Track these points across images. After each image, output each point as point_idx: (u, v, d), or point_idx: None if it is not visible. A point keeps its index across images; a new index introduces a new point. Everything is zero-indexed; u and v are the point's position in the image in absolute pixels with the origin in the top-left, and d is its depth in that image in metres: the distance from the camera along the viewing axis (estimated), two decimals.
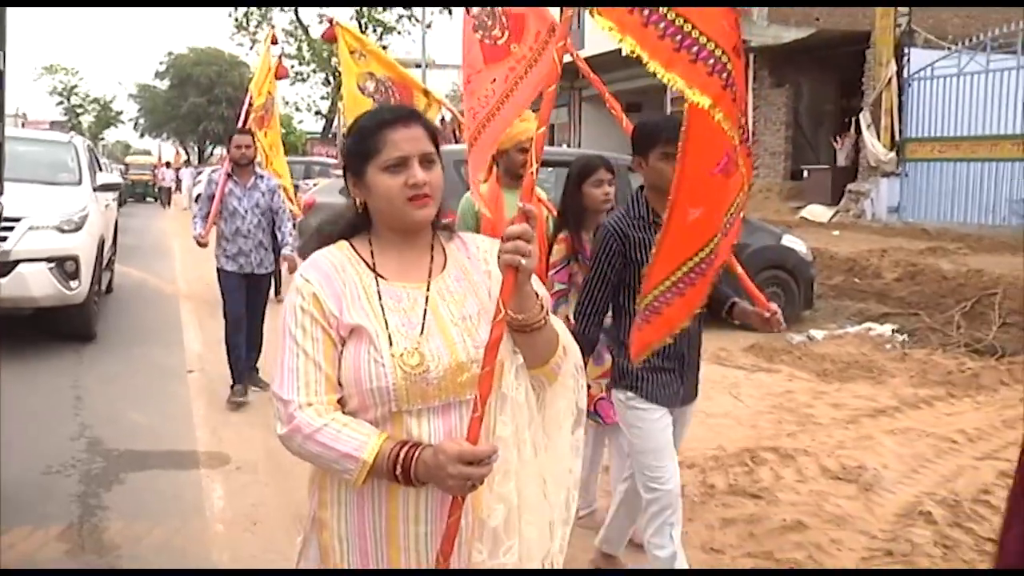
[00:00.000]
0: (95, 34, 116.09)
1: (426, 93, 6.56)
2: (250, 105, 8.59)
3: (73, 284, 8.40)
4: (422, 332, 1.93)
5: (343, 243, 2.04)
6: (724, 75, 2.29)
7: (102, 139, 66.83)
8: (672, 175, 2.94)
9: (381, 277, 1.99)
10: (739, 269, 3.65)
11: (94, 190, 9.86)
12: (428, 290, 2.00)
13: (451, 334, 1.95)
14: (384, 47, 32.43)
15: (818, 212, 19.46)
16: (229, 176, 7.27)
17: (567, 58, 2.31)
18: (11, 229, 7.95)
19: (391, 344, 1.89)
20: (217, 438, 6.28)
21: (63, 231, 8.50)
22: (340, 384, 1.91)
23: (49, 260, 8.21)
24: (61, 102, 67.22)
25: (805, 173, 21.66)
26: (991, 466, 5.74)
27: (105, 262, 10.42)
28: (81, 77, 75.05)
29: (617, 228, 3.49)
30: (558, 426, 2.06)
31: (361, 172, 1.99)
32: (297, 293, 1.95)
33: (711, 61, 2.26)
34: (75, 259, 8.42)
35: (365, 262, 2.01)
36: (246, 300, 7.25)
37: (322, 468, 1.93)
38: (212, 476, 5.56)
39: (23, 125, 55.41)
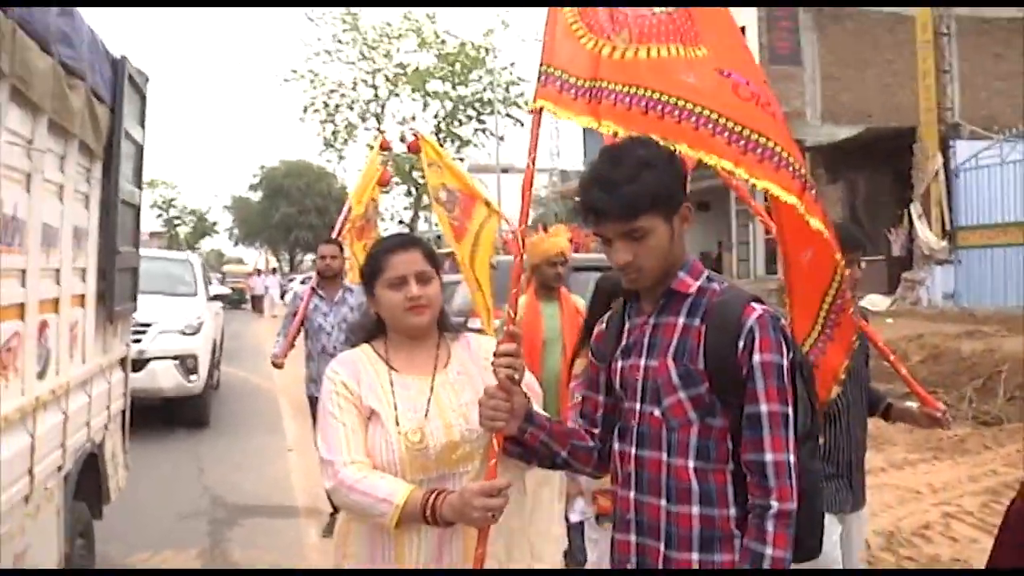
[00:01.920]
0: (193, 150, 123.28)
1: (487, 204, 6.58)
2: (348, 214, 7.70)
3: (193, 378, 10.43)
4: (426, 415, 2.33)
5: (365, 345, 2.50)
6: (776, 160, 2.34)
7: (198, 248, 70.66)
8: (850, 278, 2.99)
9: (394, 369, 2.41)
10: (903, 371, 3.69)
11: (208, 300, 12.02)
12: (433, 380, 2.40)
13: (449, 417, 2.34)
14: (461, 159, 35.15)
15: (876, 301, 19.98)
16: (314, 290, 6.89)
17: None
18: (144, 332, 10.00)
19: (398, 424, 2.31)
20: (312, 497, 7.84)
21: (185, 334, 10.59)
22: None
23: (174, 358, 10.29)
24: (161, 214, 71.20)
25: (862, 264, 22.51)
26: (940, 510, 6.93)
27: (215, 361, 12.49)
28: (179, 191, 79.27)
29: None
30: (539, 496, 2.53)
31: (372, 289, 2.46)
32: (330, 381, 2.39)
33: (775, 159, 2.33)
34: (195, 357, 10.47)
35: (381, 358, 2.45)
36: None
37: (361, 515, 2.30)
38: (309, 522, 7.25)
39: None
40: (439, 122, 37.39)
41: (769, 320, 2.08)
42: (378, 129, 37.02)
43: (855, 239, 3.55)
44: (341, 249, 7.12)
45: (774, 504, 1.98)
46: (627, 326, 2.27)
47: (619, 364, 2.24)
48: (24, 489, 3.54)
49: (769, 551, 1.97)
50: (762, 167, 2.31)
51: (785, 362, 2.06)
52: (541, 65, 2.53)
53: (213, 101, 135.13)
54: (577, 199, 2.45)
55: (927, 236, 19.94)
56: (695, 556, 2.06)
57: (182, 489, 8.08)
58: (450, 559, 2.31)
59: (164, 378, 10.19)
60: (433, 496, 2.18)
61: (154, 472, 8.07)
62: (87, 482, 4.58)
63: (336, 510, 4.24)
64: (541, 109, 2.49)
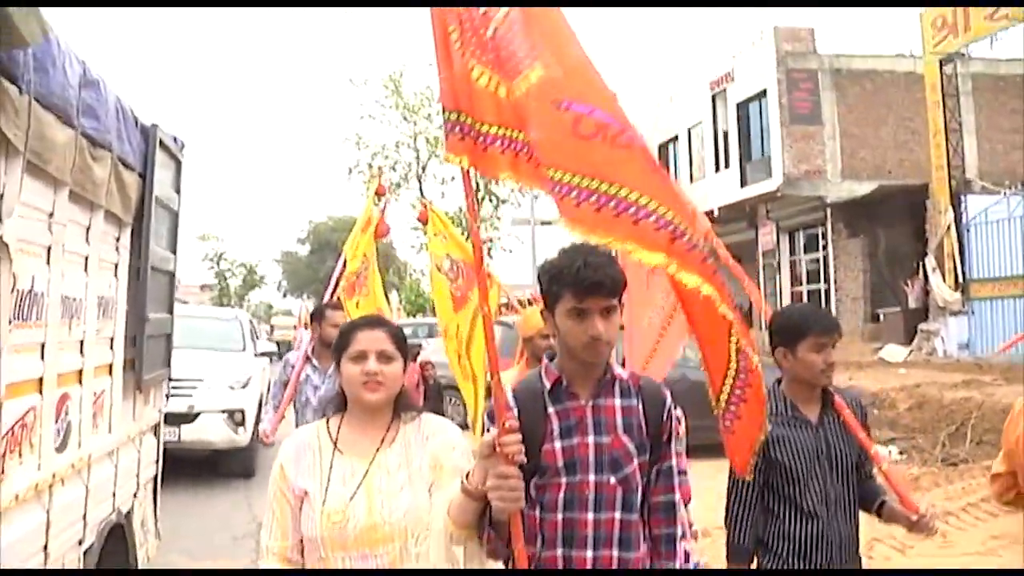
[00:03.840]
0: (245, 206, 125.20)
1: (489, 276, 6.23)
2: (343, 269, 6.66)
3: (241, 431, 10.14)
4: (351, 497, 2.35)
5: (322, 422, 2.54)
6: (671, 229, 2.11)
7: (247, 300, 71.04)
8: (822, 364, 3.05)
9: (338, 450, 2.44)
10: (884, 466, 3.31)
11: (255, 355, 11.77)
12: (371, 462, 2.41)
13: (375, 500, 2.36)
14: (498, 218, 35.17)
15: (894, 352, 19.91)
16: (308, 359, 5.81)
17: None
18: (195, 388, 9.78)
19: (324, 503, 2.35)
20: None
21: (233, 389, 10.31)
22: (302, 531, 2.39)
23: (223, 412, 10.00)
24: (211, 267, 71.71)
25: (881, 316, 22.28)
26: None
27: (261, 414, 12.22)
28: (228, 244, 79.81)
29: None
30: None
31: (338, 363, 2.48)
32: (276, 464, 2.49)
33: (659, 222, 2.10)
34: (243, 411, 10.19)
35: (330, 437, 2.47)
36: None
37: None
38: None
39: (177, 288, 59.81)
40: (477, 182, 37.46)
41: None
42: (419, 190, 37.11)
43: (825, 322, 3.16)
44: None
45: (679, 530, 2.44)
46: (552, 411, 2.37)
47: (557, 445, 2.34)
48: (38, 566, 3.26)
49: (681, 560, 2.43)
50: (618, 224, 2.10)
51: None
52: (445, 110, 2.28)
53: (265, 159, 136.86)
54: (559, 280, 2.34)
55: (941, 288, 19.68)
56: None
57: (235, 517, 8.42)
58: None
59: (214, 431, 9.93)
60: None
61: (209, 506, 8.78)
62: (113, 553, 4.28)
63: None
64: (469, 169, 2.32)
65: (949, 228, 19.47)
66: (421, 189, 37.74)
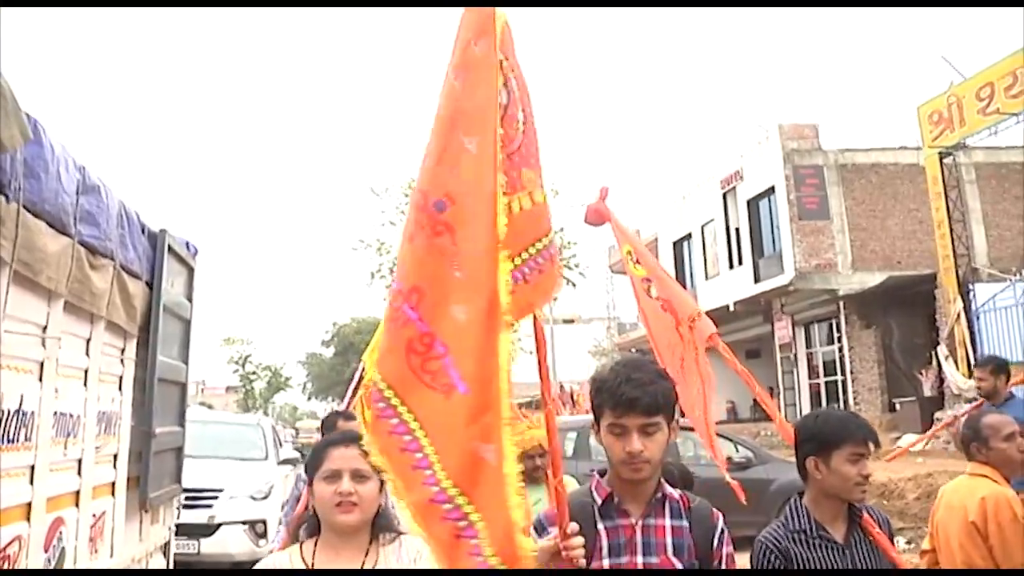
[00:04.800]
0: (269, 310, 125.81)
1: None
2: (360, 378, 5.99)
3: (262, 543, 9.63)
4: None
5: (295, 547, 2.31)
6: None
7: (272, 403, 70.48)
8: (858, 477, 2.68)
9: None
10: (873, 525, 2.84)
11: (277, 463, 11.32)
12: None
13: None
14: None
15: (912, 441, 19.43)
16: None
17: None
18: (215, 498, 9.35)
19: None
20: None
21: (255, 499, 9.84)
22: None
23: (244, 523, 9.49)
24: (237, 369, 71.30)
25: (897, 406, 21.67)
26: None
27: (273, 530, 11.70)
28: (255, 347, 79.40)
29: (774, 543, 2.75)
30: None
31: (311, 482, 2.29)
32: None
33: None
34: (264, 522, 9.70)
35: (304, 563, 2.25)
36: None
37: None
38: None
39: (202, 391, 59.22)
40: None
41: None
42: None
43: (864, 431, 2.75)
44: None
45: None
46: (602, 527, 2.28)
47: (606, 563, 2.25)
48: None
49: None
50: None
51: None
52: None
53: (290, 263, 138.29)
54: (600, 395, 2.30)
55: (955, 376, 19.15)
56: None
57: None
58: None
59: (234, 544, 9.39)
60: None
61: None
62: None
63: None
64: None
65: (959, 316, 19.08)
66: None
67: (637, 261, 4.35)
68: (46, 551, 3.07)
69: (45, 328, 3.02)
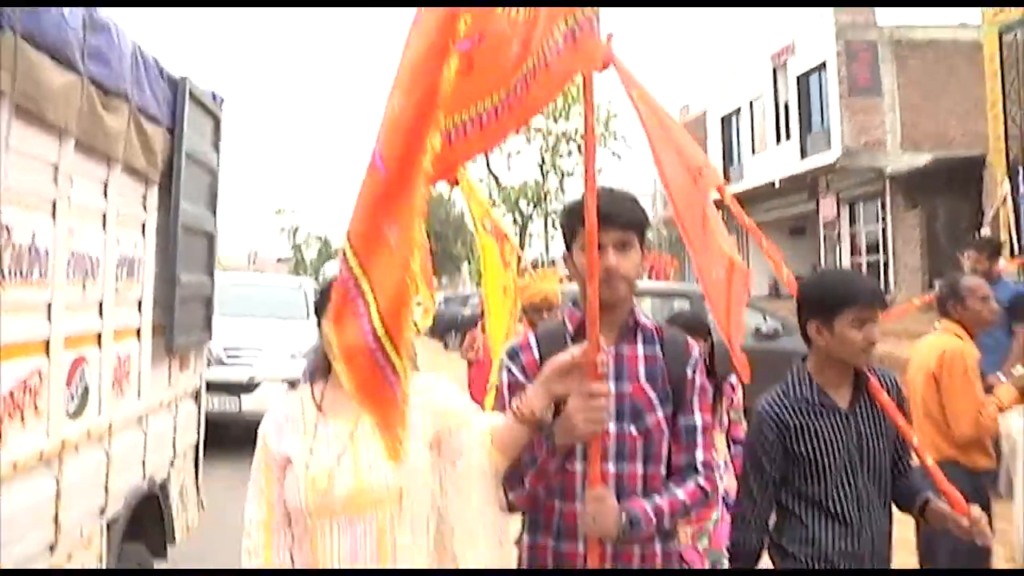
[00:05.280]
0: (320, 180, 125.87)
1: (505, 236, 5.94)
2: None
3: None
4: (338, 461, 2.15)
5: (305, 387, 2.31)
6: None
7: (323, 272, 71.55)
8: (863, 342, 2.51)
9: (323, 415, 2.22)
10: (929, 461, 2.58)
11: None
12: (356, 426, 2.18)
13: (361, 463, 2.15)
14: (563, 191, 34.68)
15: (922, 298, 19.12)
16: None
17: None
18: (256, 356, 9.51)
19: (308, 468, 2.14)
20: None
21: (295, 357, 9.99)
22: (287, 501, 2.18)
23: (284, 381, 9.65)
24: (289, 239, 71.93)
25: (936, 286, 21.26)
26: None
27: None
28: (306, 217, 79.19)
29: (773, 414, 2.62)
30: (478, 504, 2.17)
31: (319, 323, 2.19)
32: (259, 435, 2.27)
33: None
34: None
35: (314, 401, 2.25)
36: None
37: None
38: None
39: (254, 261, 60.30)
40: (543, 155, 36.78)
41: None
42: (487, 166, 36.59)
43: (869, 293, 2.56)
44: None
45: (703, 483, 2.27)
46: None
47: None
48: (47, 538, 2.93)
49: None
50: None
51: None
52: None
53: (338, 133, 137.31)
54: (573, 215, 2.28)
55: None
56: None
57: None
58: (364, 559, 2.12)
59: (273, 401, 9.68)
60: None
61: None
62: (146, 523, 3.96)
63: None
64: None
65: (1005, 199, 18.41)
66: (489, 165, 37.27)
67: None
68: (68, 386, 3.08)
69: (56, 167, 2.93)
